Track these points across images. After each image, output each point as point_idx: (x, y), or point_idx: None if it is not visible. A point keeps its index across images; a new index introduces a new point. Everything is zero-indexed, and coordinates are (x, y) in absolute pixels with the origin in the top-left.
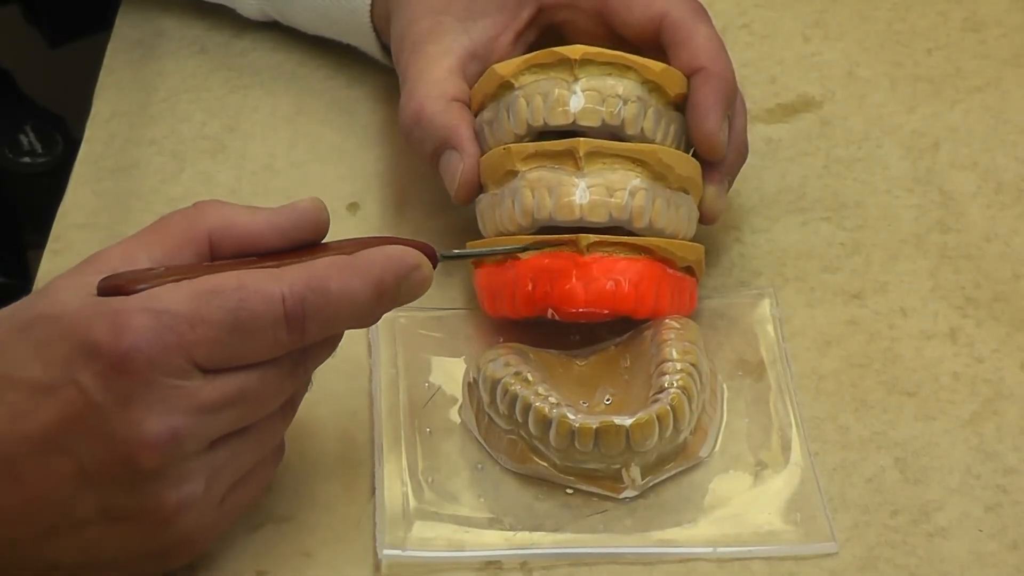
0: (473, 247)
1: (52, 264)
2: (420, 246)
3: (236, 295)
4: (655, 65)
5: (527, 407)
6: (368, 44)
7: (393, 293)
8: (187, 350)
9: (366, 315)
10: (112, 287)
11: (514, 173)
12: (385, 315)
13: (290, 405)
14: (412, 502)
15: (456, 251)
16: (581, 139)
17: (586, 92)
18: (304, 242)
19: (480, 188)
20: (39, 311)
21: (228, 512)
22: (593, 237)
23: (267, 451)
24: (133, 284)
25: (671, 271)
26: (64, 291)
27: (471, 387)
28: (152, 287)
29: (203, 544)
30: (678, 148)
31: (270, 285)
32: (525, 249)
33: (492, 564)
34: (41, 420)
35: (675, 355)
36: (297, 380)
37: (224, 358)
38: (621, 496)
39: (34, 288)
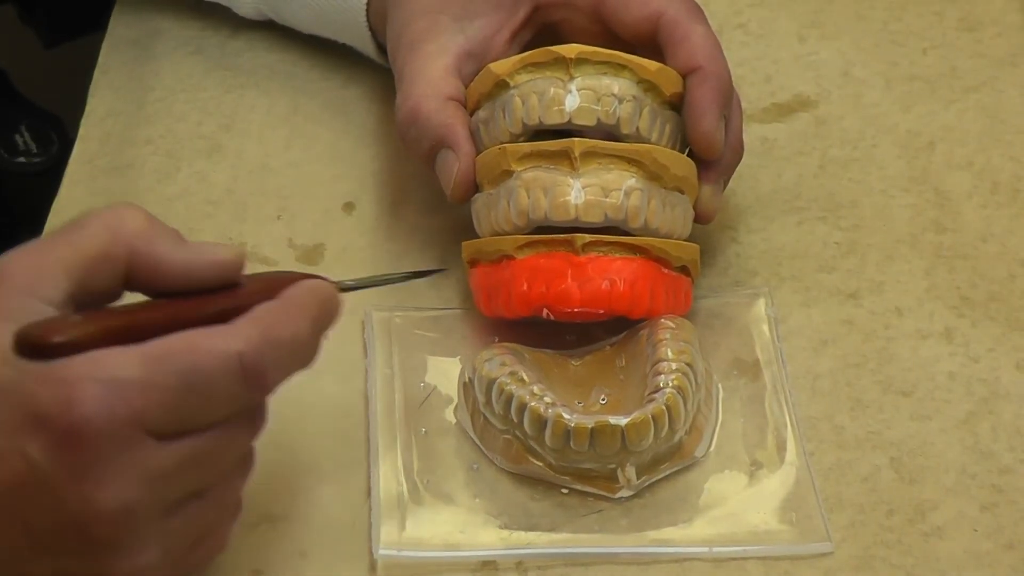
0: (469, 245)
1: None
2: (318, 279)
3: (189, 358)
4: (651, 64)
5: (522, 407)
6: (364, 44)
7: (323, 327)
8: (138, 418)
9: (311, 355)
10: (30, 344)
11: (509, 173)
12: (381, 315)
13: (249, 457)
14: (408, 502)
15: (350, 283)
16: (576, 139)
17: (581, 91)
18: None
19: (476, 187)
20: None
21: (184, 573)
22: (588, 237)
23: (225, 512)
24: (51, 335)
25: (666, 271)
26: None
27: (466, 387)
28: (73, 340)
29: None
30: (673, 147)
31: (224, 343)
32: (412, 277)
33: (488, 564)
34: None
35: (670, 355)
36: (255, 430)
37: (177, 422)
38: (617, 496)
39: None
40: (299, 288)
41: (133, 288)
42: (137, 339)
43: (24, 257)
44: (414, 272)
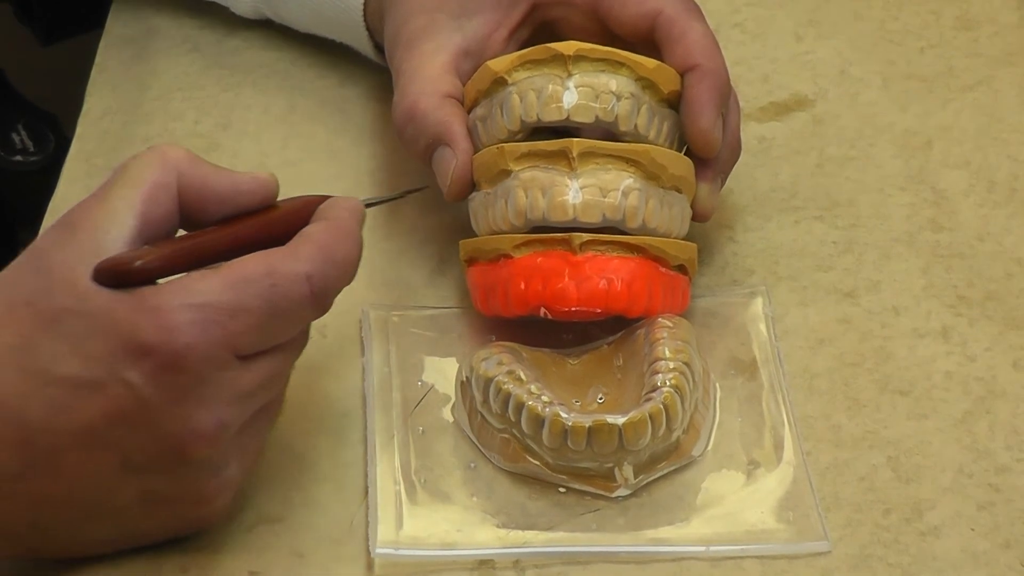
0: (466, 244)
1: None
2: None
3: (268, 280)
4: (648, 62)
5: (520, 406)
6: (361, 43)
7: (361, 244)
8: (230, 341)
9: (355, 272)
10: (112, 272)
11: (507, 172)
12: (378, 314)
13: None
14: (405, 501)
15: (373, 199)
16: (574, 139)
17: (579, 88)
18: (254, 208)
19: (473, 185)
20: (62, 304)
21: (245, 472)
22: (586, 236)
23: (272, 421)
24: (132, 260)
25: (664, 270)
26: (73, 271)
27: (464, 386)
28: (152, 264)
29: (226, 508)
30: (671, 145)
31: (295, 266)
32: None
33: (485, 563)
34: (84, 416)
35: (668, 354)
36: (301, 349)
37: (259, 343)
38: (614, 495)
39: None
40: (339, 209)
41: (186, 220)
42: (206, 263)
43: (88, 205)
44: (406, 191)
